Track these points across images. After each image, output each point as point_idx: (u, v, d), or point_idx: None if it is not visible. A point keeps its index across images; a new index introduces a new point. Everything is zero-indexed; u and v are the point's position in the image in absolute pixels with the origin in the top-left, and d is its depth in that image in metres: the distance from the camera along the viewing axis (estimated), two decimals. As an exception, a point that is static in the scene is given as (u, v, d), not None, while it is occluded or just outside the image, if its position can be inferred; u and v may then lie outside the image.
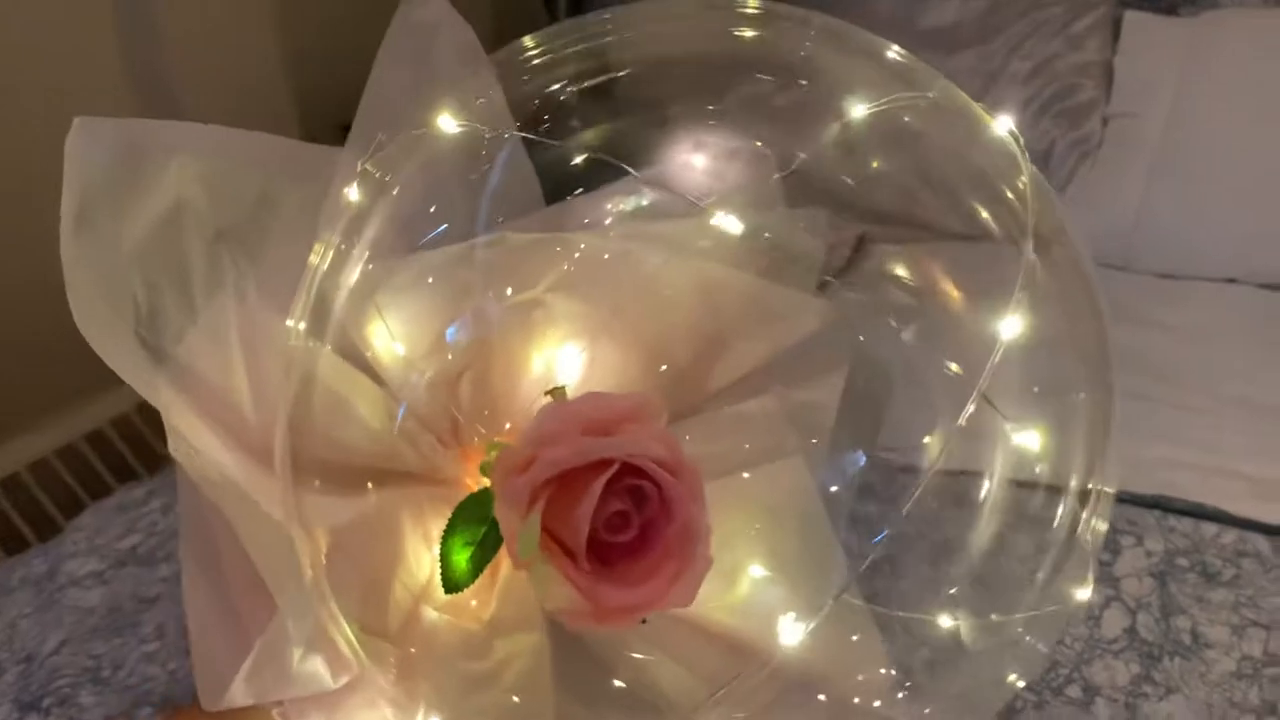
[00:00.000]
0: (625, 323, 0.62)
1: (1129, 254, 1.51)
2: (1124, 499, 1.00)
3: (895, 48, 0.53)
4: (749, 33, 0.59)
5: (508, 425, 0.60)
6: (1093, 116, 1.58)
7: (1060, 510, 0.46)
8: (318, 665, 0.52)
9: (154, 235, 0.52)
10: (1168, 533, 1.00)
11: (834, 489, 0.55)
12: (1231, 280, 1.48)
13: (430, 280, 0.57)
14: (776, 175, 0.61)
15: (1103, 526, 0.47)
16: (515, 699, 0.54)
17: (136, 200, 0.52)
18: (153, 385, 0.51)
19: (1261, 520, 1.01)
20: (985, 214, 0.48)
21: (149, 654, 0.91)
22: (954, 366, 0.44)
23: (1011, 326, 0.42)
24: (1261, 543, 0.99)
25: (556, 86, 0.53)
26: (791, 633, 0.46)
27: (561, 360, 0.61)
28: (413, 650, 0.54)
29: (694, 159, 0.56)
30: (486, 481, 0.58)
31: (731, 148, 0.62)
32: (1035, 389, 0.46)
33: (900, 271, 0.54)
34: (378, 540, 0.55)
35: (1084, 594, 0.47)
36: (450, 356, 0.59)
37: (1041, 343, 0.43)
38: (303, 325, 0.52)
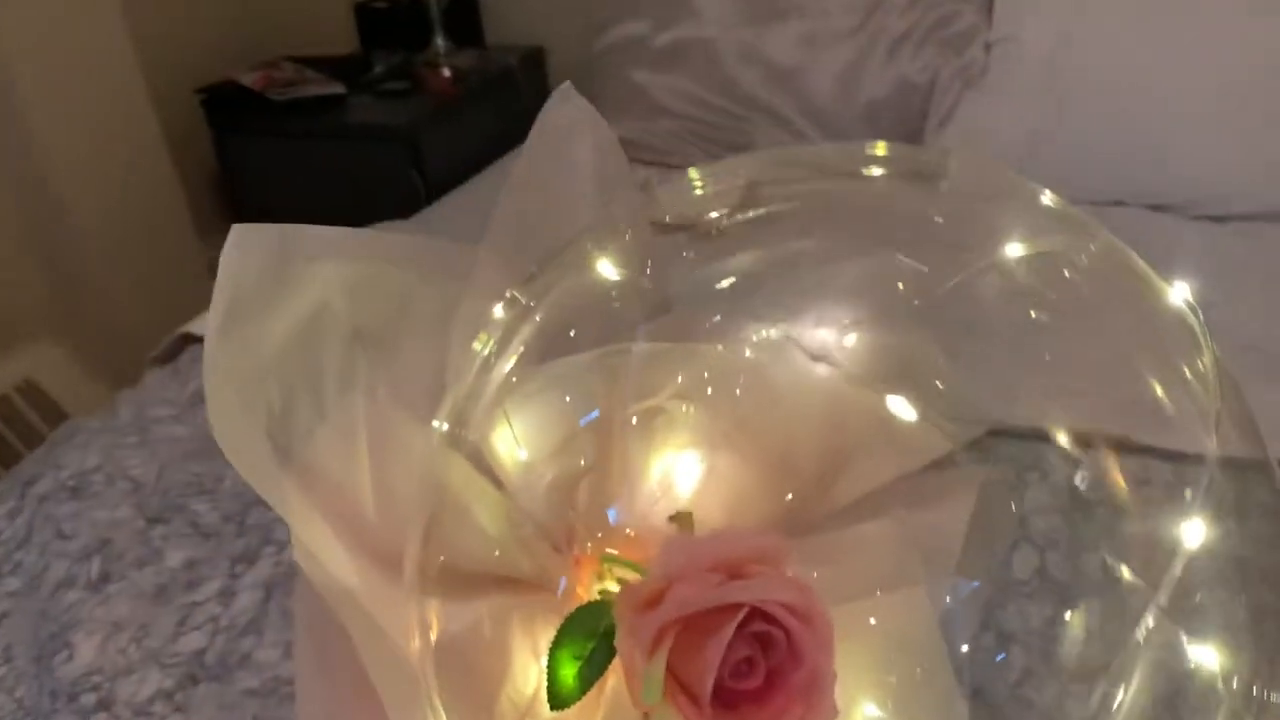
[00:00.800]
0: (748, 435, 0.61)
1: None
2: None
3: (1048, 193, 0.50)
4: (884, 174, 0.58)
5: (629, 532, 0.59)
6: (975, 43, 1.55)
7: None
8: None
9: (294, 339, 0.53)
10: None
11: (963, 645, 0.52)
12: (1119, 203, 1.41)
13: (558, 387, 0.57)
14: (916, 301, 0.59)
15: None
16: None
17: (281, 305, 0.53)
18: (278, 487, 0.51)
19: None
20: (1160, 392, 0.45)
21: (-6, 680, 0.84)
22: (1125, 572, 0.41)
23: (1194, 533, 0.39)
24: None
25: (712, 215, 0.52)
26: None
27: (680, 468, 0.61)
28: None
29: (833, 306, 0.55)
30: (597, 592, 0.57)
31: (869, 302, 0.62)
32: (1200, 598, 0.42)
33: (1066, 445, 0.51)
34: (489, 650, 0.54)
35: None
36: (571, 462, 0.58)
37: (1221, 553, 0.40)
38: (445, 427, 0.52)
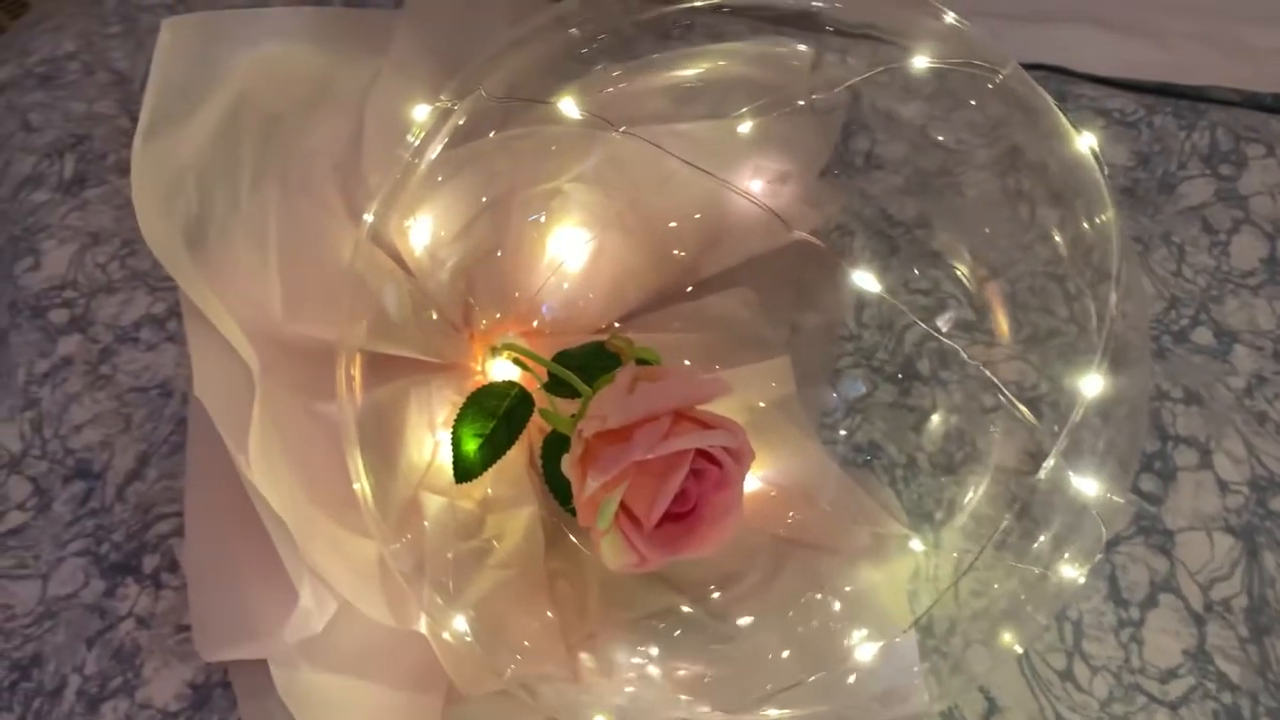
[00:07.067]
0: (638, 215, 0.62)
1: None
2: (1237, 101, 0.80)
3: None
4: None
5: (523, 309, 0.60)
6: None
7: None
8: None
9: (214, 134, 0.47)
10: (1301, 140, 0.77)
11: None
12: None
13: (465, 171, 0.54)
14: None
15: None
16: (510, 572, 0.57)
17: (204, 102, 0.46)
18: (201, 291, 0.47)
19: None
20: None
21: None
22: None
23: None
24: None
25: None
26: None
27: (570, 245, 0.61)
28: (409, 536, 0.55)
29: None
30: (492, 369, 0.59)
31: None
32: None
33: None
34: (389, 423, 0.55)
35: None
36: (473, 243, 0.57)
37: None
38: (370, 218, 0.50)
